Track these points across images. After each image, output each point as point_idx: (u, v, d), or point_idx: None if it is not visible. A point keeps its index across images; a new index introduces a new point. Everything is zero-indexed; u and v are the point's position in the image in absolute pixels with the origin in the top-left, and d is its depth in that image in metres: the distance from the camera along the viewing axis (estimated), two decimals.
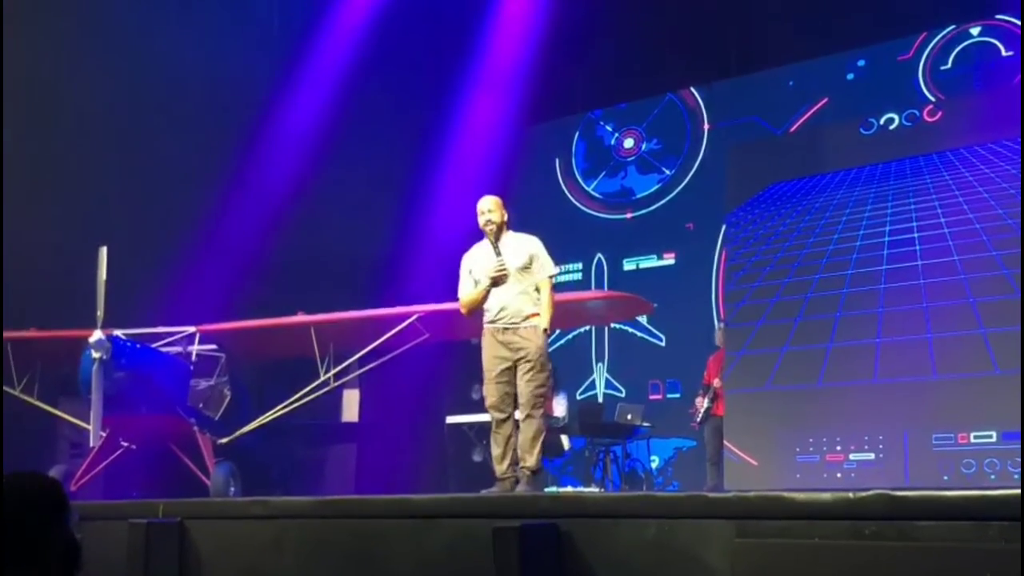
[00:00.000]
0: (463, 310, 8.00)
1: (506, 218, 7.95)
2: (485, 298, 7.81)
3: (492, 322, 7.78)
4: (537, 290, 7.82)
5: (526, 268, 7.79)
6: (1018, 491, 4.15)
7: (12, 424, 10.37)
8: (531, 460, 7.63)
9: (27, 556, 3.27)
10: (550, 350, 14.07)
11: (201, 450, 10.32)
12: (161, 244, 12.46)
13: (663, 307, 13.29)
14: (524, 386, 7.64)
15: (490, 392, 7.78)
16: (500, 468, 7.75)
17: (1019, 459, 10.23)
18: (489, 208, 7.89)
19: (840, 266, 11.99)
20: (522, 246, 7.88)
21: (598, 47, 15.07)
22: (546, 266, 7.86)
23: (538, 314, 7.72)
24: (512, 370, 7.70)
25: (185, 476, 10.35)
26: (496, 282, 7.73)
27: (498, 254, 7.77)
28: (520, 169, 16.34)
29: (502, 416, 7.74)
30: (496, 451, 7.80)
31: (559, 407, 12.81)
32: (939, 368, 11.04)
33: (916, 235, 11.60)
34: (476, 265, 7.90)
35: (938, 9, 12.78)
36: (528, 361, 7.64)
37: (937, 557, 4.21)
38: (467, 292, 7.92)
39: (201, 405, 10.65)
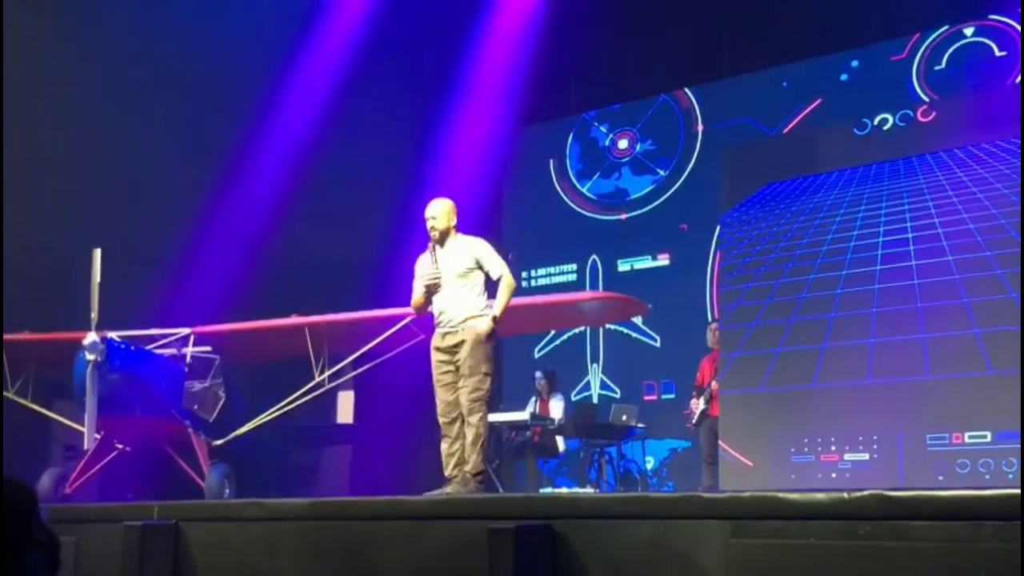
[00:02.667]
0: (413, 312, 8.25)
1: (454, 223, 8.01)
2: (428, 302, 7.94)
3: (437, 326, 7.93)
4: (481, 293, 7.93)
5: (466, 274, 7.86)
6: (1013, 491, 4.16)
7: (5, 427, 10.36)
8: (470, 464, 7.70)
9: (10, 562, 3.35)
10: (542, 352, 14.12)
11: (196, 452, 10.30)
12: (155, 246, 12.46)
13: (658, 308, 13.32)
14: (461, 392, 7.76)
15: (438, 398, 7.92)
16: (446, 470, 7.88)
17: (1013, 459, 10.25)
18: (433, 214, 7.97)
19: (834, 266, 11.98)
20: (464, 251, 7.94)
21: (592, 48, 15.07)
22: (495, 267, 7.94)
23: (476, 317, 7.79)
24: (456, 373, 7.81)
25: (180, 478, 10.33)
26: (430, 290, 7.85)
27: (435, 262, 7.87)
28: (514, 170, 16.37)
29: (446, 420, 7.88)
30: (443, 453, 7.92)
31: (556, 409, 12.81)
32: (933, 368, 11.04)
33: (910, 235, 11.60)
34: (420, 271, 7.99)
35: (932, 9, 12.79)
36: (465, 365, 7.72)
37: (932, 557, 4.22)
38: (414, 296, 8.02)
39: (196, 407, 10.63)
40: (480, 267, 7.92)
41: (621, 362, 15.00)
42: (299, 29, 14.33)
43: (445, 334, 7.84)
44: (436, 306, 7.92)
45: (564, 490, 12.62)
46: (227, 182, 13.45)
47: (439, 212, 7.97)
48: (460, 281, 7.83)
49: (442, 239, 7.96)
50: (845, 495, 4.53)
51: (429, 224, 7.96)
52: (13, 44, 11.66)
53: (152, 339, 10.57)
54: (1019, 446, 9.89)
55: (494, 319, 7.78)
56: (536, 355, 15.40)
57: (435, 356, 7.92)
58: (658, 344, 14.63)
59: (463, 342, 7.74)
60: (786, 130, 13.80)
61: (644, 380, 14.58)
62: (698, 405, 11.95)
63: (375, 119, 14.52)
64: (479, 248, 7.99)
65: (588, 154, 15.96)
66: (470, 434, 7.71)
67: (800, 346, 11.94)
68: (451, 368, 7.82)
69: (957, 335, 10.94)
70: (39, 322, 10.70)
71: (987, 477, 10.56)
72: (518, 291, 15.43)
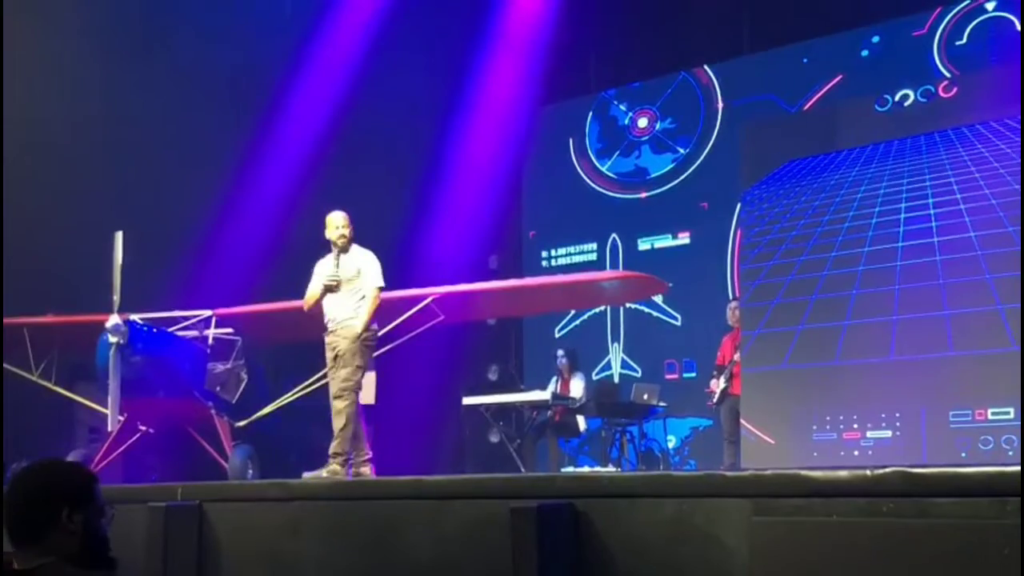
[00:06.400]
0: (304, 307, 9.07)
1: (352, 234, 8.90)
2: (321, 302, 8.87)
3: (324, 326, 8.86)
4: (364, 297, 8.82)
5: (352, 280, 8.80)
6: None
7: (30, 410, 10.43)
8: (333, 444, 8.57)
9: (44, 543, 3.41)
10: (563, 332, 14.24)
11: (219, 433, 10.37)
12: (177, 228, 12.48)
13: (678, 287, 13.28)
14: (333, 379, 8.75)
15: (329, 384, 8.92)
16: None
17: None
18: (341, 223, 8.87)
19: (856, 243, 11.93)
20: (354, 261, 8.83)
21: (611, 26, 15.03)
22: (372, 278, 8.83)
23: (352, 318, 8.71)
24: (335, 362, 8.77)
25: (203, 459, 10.40)
26: (329, 289, 8.80)
27: (337, 267, 8.80)
28: (534, 149, 16.34)
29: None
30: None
31: (577, 388, 12.81)
32: (956, 344, 10.99)
33: (932, 211, 11.54)
34: (321, 272, 8.95)
35: None
36: (339, 357, 8.71)
37: (955, 534, 4.21)
38: (310, 293, 8.97)
39: (218, 388, 10.68)
40: (360, 277, 8.81)
41: (642, 341, 15.00)
42: (318, 11, 14.32)
43: (329, 332, 8.81)
44: (326, 308, 8.85)
45: (586, 469, 12.63)
46: (248, 165, 13.47)
47: (348, 222, 8.87)
48: (347, 286, 8.81)
49: (347, 247, 8.85)
50: (868, 472, 4.52)
51: (339, 233, 8.81)
52: (36, 29, 11.72)
53: (174, 321, 10.63)
54: None
55: (365, 325, 8.72)
56: (556, 334, 15.41)
57: (326, 351, 8.88)
58: (679, 323, 14.62)
59: (342, 339, 8.72)
60: (807, 107, 13.74)
61: (665, 359, 14.57)
62: (718, 384, 11.93)
63: (395, 100, 14.52)
64: (365, 261, 8.88)
65: (608, 133, 15.92)
66: (337, 419, 8.58)
67: (822, 323, 11.90)
68: (332, 363, 8.80)
69: (980, 311, 10.88)
70: (62, 305, 10.75)
71: (1010, 453, 10.52)
72: (538, 271, 15.62)
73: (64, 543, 3.43)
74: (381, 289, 8.81)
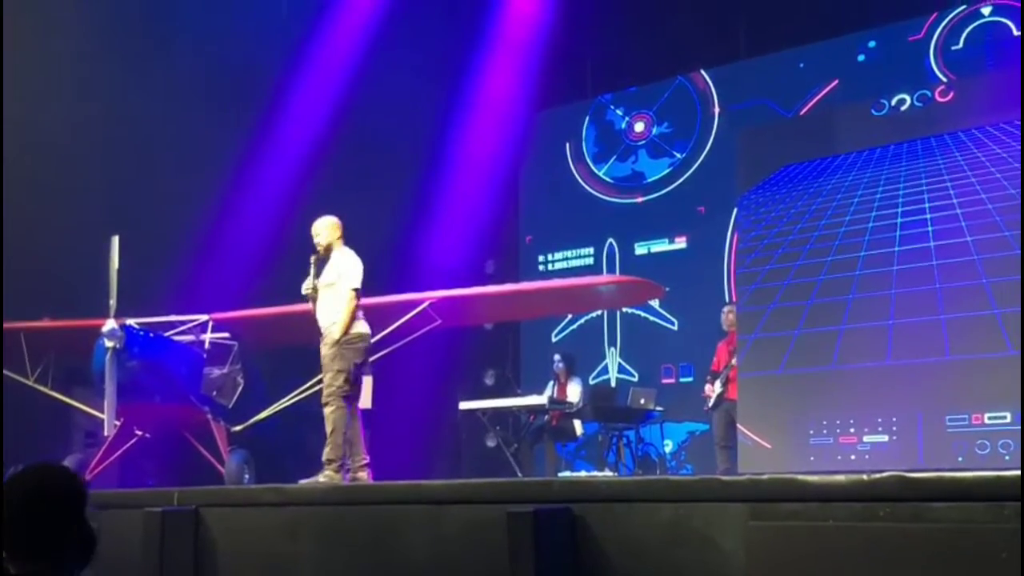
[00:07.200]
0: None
1: (337, 236, 8.88)
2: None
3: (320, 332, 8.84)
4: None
5: (331, 285, 8.72)
6: None
7: (27, 414, 10.41)
8: (325, 451, 8.52)
9: (40, 549, 3.38)
10: (559, 337, 14.21)
11: (215, 438, 10.36)
12: (174, 233, 12.47)
13: (675, 291, 13.28)
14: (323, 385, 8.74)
15: None
16: None
17: None
18: (316, 231, 8.87)
19: (852, 248, 11.94)
20: (336, 266, 8.80)
21: (608, 31, 15.02)
22: (346, 279, 8.71)
23: (335, 323, 8.65)
24: None
25: (200, 464, 10.39)
26: (310, 298, 8.85)
27: (313, 275, 8.81)
28: (531, 154, 16.36)
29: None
30: None
31: (574, 392, 12.80)
32: (952, 349, 10.99)
33: (928, 216, 11.55)
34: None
35: None
36: (323, 363, 8.71)
37: (952, 538, 4.21)
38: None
39: (215, 393, 10.68)
40: (340, 280, 8.74)
41: (639, 345, 14.99)
42: (315, 14, 14.33)
43: (321, 337, 8.76)
44: (316, 312, 8.86)
45: (583, 474, 12.62)
46: (245, 169, 13.46)
47: (322, 228, 8.88)
48: (327, 291, 8.73)
49: (326, 254, 8.83)
50: (864, 477, 4.52)
51: (316, 240, 8.84)
52: (36, 26, 11.72)
53: (171, 326, 10.62)
54: None
55: (342, 328, 8.62)
56: (553, 339, 15.41)
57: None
58: (675, 327, 14.61)
59: (325, 345, 8.70)
60: (803, 111, 13.75)
61: (662, 363, 14.56)
62: (713, 389, 11.91)
63: (392, 106, 14.51)
64: (344, 263, 8.79)
65: (604, 137, 15.93)
66: (326, 424, 8.54)
67: (818, 328, 11.90)
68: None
69: (976, 315, 10.89)
70: (59, 309, 10.74)
71: (1007, 458, 10.53)
72: (535, 275, 15.61)
73: (59, 547, 3.42)
74: (357, 291, 8.70)
